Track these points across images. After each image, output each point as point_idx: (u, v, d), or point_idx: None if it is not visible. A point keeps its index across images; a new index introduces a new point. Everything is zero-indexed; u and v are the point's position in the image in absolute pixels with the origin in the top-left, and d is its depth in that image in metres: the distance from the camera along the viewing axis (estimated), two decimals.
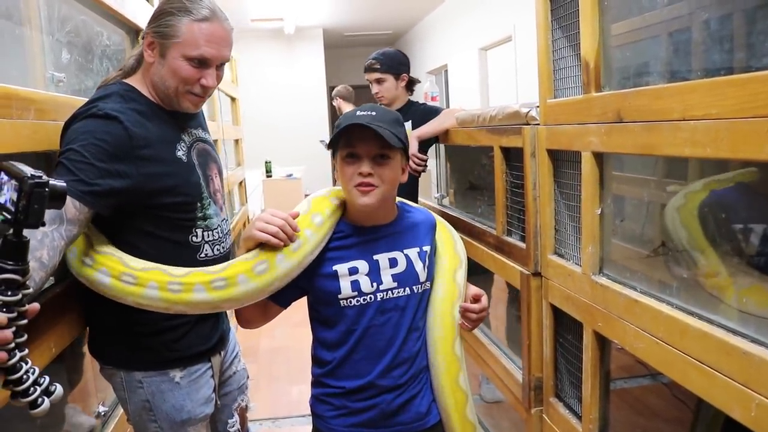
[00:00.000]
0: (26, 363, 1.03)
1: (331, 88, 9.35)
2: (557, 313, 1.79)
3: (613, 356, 1.60)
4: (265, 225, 1.36)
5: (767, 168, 1.14)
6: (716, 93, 1.05)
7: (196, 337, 1.47)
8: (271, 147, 7.24)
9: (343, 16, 9.03)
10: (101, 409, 1.55)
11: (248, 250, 1.40)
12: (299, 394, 3.41)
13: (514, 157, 2.01)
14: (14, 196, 0.98)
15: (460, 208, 2.88)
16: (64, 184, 0.99)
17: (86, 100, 1.40)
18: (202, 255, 1.44)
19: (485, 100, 6.89)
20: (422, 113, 2.87)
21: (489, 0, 6.45)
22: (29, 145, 1.32)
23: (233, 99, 6.06)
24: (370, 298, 1.43)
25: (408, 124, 2.75)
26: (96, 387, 1.60)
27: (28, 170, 1.02)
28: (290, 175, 7.61)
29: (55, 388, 1.07)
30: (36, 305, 1.05)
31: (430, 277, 1.50)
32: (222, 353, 1.59)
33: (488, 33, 6.53)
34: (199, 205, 1.45)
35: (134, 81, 1.45)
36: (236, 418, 1.73)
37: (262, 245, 1.37)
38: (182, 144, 1.44)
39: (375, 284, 1.43)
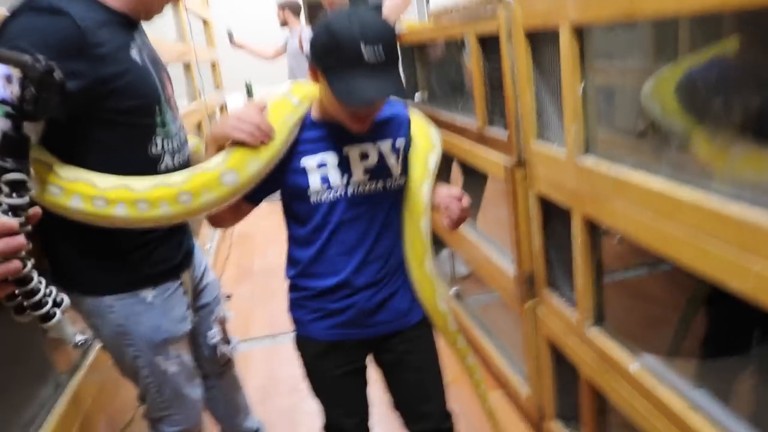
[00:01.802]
0: (36, 273, 0.99)
1: (309, 5, 9.02)
2: (544, 203, 1.72)
3: (610, 248, 1.55)
4: (239, 123, 1.29)
5: (748, 30, 1.05)
6: None
7: (164, 253, 1.40)
8: (252, 68, 7.00)
9: None
10: (79, 338, 1.49)
11: (218, 149, 1.34)
12: None
13: (490, 46, 1.90)
14: (14, 88, 0.94)
15: (439, 107, 2.77)
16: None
17: None
18: (163, 166, 1.35)
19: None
20: None
21: None
22: None
23: (205, 21, 5.84)
24: (341, 192, 1.37)
25: None
26: (71, 316, 1.55)
27: (25, 56, 0.95)
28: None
29: (62, 299, 1.04)
30: (38, 209, 1.00)
31: (405, 172, 1.42)
32: (190, 269, 1.53)
33: None
34: (157, 108, 1.34)
35: None
36: (216, 329, 1.69)
37: (233, 144, 1.31)
38: (133, 45, 1.33)
39: (345, 177, 1.36)
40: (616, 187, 1.31)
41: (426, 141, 1.47)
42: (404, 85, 1.29)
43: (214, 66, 5.88)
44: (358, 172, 1.37)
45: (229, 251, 4.56)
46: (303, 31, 5.35)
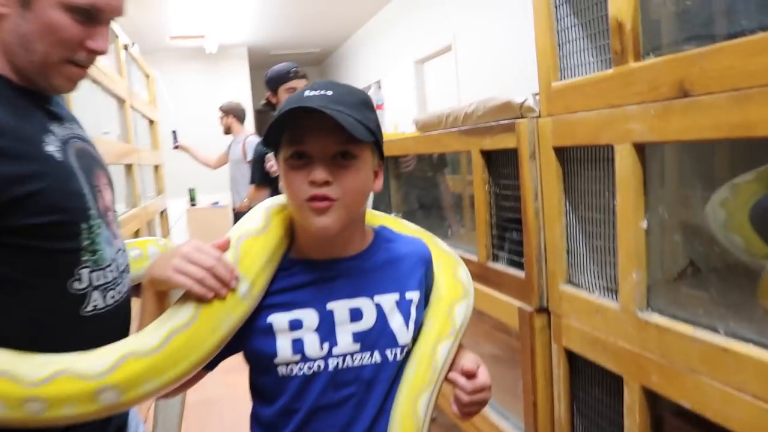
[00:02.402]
0: None
1: (257, 111, 8.85)
2: (574, 362, 1.38)
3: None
4: (184, 264, 0.91)
5: None
6: None
7: None
8: (195, 173, 6.66)
9: (268, 33, 8.54)
10: None
11: (157, 298, 0.95)
12: None
13: (499, 162, 1.61)
14: None
15: None
16: None
17: None
18: (89, 309, 0.95)
19: (423, 114, 6.51)
20: None
21: (424, 10, 6.11)
22: None
23: (152, 121, 5.51)
24: (319, 365, 0.98)
25: None
26: None
27: None
28: (216, 203, 7.05)
29: None
30: None
31: (417, 336, 1.05)
32: None
33: (425, 44, 6.18)
34: (84, 227, 0.95)
35: None
36: None
37: (183, 295, 0.93)
38: (52, 137, 0.94)
39: (327, 345, 0.98)
40: (705, 356, 0.97)
41: (453, 285, 1.12)
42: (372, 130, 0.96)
43: (157, 169, 5.51)
44: (344, 339, 0.99)
45: None
46: (248, 138, 5.05)
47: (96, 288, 0.97)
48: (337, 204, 0.94)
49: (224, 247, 0.96)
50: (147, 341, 0.90)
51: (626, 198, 1.11)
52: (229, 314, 0.94)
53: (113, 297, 1.00)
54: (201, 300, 0.92)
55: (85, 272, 0.95)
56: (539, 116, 1.38)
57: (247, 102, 8.80)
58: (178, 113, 7.32)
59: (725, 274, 1.20)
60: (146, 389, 0.89)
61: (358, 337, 0.99)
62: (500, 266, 1.61)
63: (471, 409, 1.01)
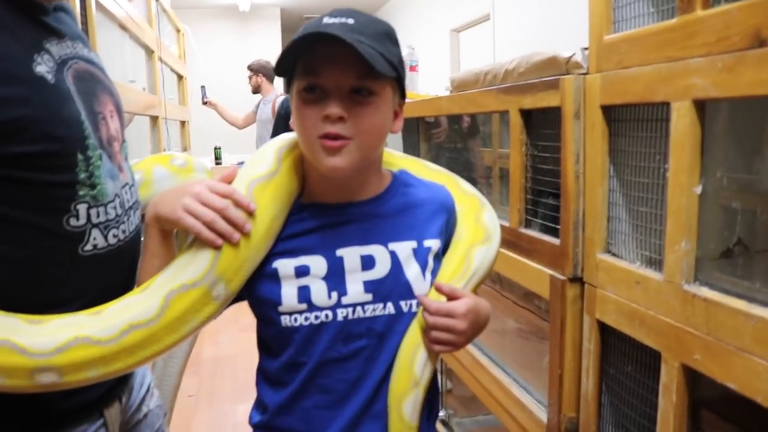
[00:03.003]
0: None
1: None
2: (606, 335, 1.30)
3: None
4: (193, 204, 0.85)
5: None
6: None
7: None
8: (222, 132, 6.60)
9: None
10: None
11: (162, 236, 0.90)
12: (246, 415, 2.85)
13: (539, 123, 1.52)
14: None
15: None
16: None
17: None
18: (88, 248, 0.88)
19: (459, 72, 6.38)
20: None
21: None
22: None
23: (180, 77, 5.46)
24: (327, 315, 0.92)
25: None
26: None
27: None
28: (241, 163, 7.01)
29: None
30: None
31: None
32: (123, 398, 1.03)
33: (462, 12, 6.03)
34: (81, 158, 0.87)
35: None
36: None
37: (191, 240, 0.88)
38: (45, 56, 0.86)
39: (335, 294, 0.92)
40: (758, 334, 0.89)
41: (474, 229, 1.04)
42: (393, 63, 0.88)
43: (184, 125, 5.46)
44: (354, 288, 0.93)
45: None
46: (278, 98, 4.96)
47: (95, 225, 0.90)
48: (351, 144, 0.87)
49: (229, 178, 0.91)
50: (145, 308, 0.85)
51: (680, 160, 1.02)
52: (244, 264, 0.89)
53: (116, 236, 0.93)
54: (212, 245, 0.86)
55: (82, 208, 0.88)
56: (587, 73, 1.29)
57: None
58: (207, 71, 7.27)
59: None
60: (146, 354, 0.85)
61: (369, 286, 0.93)
62: (533, 233, 1.53)
63: (436, 335, 0.92)
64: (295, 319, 0.92)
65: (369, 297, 0.93)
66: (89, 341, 0.80)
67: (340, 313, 0.93)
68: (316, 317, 0.92)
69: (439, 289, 0.94)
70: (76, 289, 0.87)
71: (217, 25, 8.67)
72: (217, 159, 6.90)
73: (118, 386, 1.00)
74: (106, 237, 0.91)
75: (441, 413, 2.40)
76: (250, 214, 0.87)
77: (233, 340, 3.58)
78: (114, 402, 0.99)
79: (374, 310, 0.94)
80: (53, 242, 0.85)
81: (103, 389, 0.94)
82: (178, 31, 5.42)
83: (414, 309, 0.96)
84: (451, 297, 0.93)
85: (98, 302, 0.86)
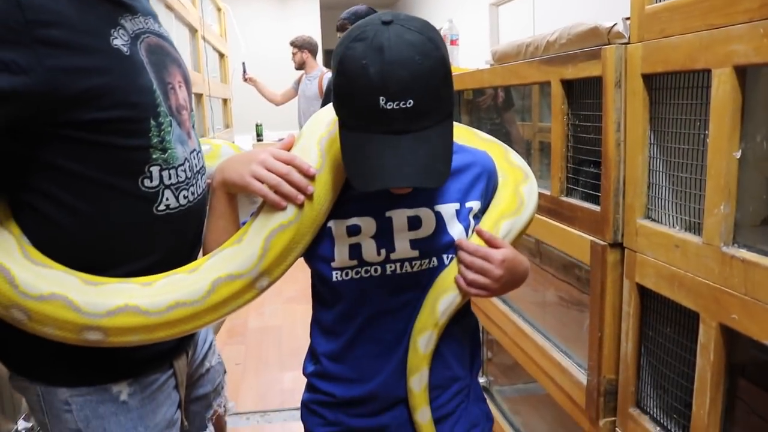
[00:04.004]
0: None
1: (326, 51, 8.79)
2: (645, 299, 1.33)
3: None
4: (261, 171, 0.93)
5: None
6: None
7: None
8: (262, 109, 6.70)
9: None
10: (22, 425, 1.08)
11: (229, 199, 0.97)
12: (293, 381, 2.95)
13: (580, 93, 1.55)
14: None
15: None
16: None
17: None
18: (161, 207, 0.96)
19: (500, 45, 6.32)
20: None
21: None
22: None
23: (222, 55, 5.55)
24: (376, 269, 0.99)
25: None
26: (13, 395, 1.13)
27: None
28: (282, 140, 7.09)
29: None
30: None
31: None
32: (189, 351, 1.12)
33: None
34: (153, 124, 0.95)
35: None
36: (210, 429, 1.26)
37: (257, 209, 0.97)
38: (121, 31, 0.93)
39: (384, 251, 0.99)
40: None
41: (511, 199, 1.09)
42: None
43: (226, 102, 5.56)
44: (402, 246, 0.99)
45: None
46: (326, 74, 4.97)
47: (168, 187, 0.97)
48: None
49: (289, 146, 0.97)
50: (197, 289, 0.93)
51: (720, 126, 1.04)
52: (311, 225, 0.95)
53: (186, 197, 1.01)
54: (275, 206, 0.92)
55: (155, 170, 0.95)
56: (628, 42, 1.31)
57: (316, 40, 8.78)
58: (246, 49, 7.35)
59: None
60: (186, 328, 0.94)
61: (416, 244, 0.99)
62: (574, 200, 1.57)
63: (471, 277, 0.98)
64: (347, 274, 0.99)
65: (416, 253, 1.00)
66: (137, 310, 0.88)
67: (389, 268, 0.99)
68: (366, 271, 0.99)
69: (479, 233, 1.00)
70: (150, 245, 0.95)
71: (256, 3, 8.73)
72: (259, 136, 7.00)
73: (186, 340, 1.08)
74: (177, 198, 0.98)
75: (482, 380, 2.45)
76: (311, 178, 0.93)
77: (278, 311, 3.68)
78: (182, 354, 1.07)
79: (420, 265, 1.01)
80: (131, 202, 0.93)
81: (174, 341, 1.02)
82: (219, 9, 5.49)
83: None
84: (491, 244, 0.99)
85: (168, 259, 0.94)
